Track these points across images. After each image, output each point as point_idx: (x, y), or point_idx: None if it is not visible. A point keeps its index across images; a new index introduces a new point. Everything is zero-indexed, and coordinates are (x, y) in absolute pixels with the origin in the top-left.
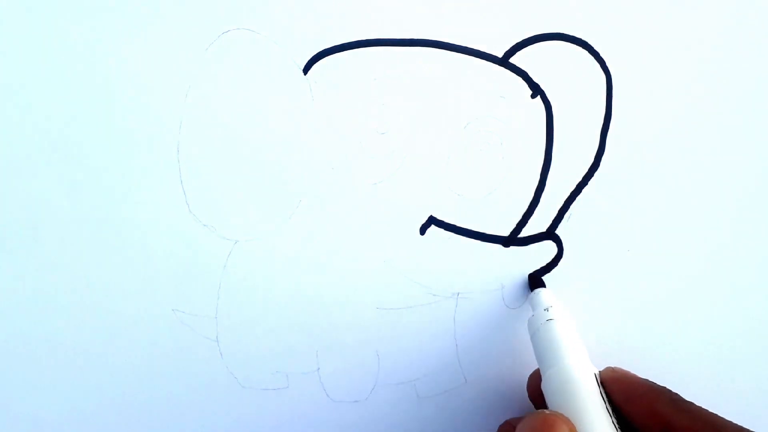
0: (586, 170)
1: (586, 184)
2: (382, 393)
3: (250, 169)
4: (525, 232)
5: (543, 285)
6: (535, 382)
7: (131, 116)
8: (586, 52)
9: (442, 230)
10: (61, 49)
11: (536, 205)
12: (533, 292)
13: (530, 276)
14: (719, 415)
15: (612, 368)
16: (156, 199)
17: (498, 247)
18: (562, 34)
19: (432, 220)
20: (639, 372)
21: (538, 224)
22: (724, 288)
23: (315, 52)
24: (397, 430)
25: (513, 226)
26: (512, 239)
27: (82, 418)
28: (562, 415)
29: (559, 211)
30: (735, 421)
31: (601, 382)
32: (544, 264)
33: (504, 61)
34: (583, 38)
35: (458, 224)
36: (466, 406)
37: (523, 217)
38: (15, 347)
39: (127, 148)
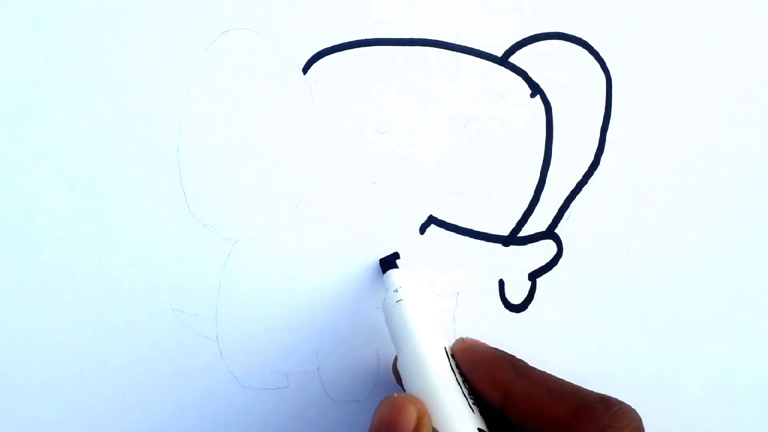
0: (586, 169)
1: (586, 183)
2: (382, 392)
3: (249, 169)
4: (525, 232)
5: (395, 266)
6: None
7: (131, 116)
8: (586, 51)
9: (441, 230)
10: (61, 48)
11: (536, 205)
12: (385, 274)
13: (381, 259)
14: (558, 377)
15: (462, 339)
16: (156, 199)
17: (498, 246)
18: (562, 33)
19: (432, 220)
20: (639, 371)
21: (537, 223)
22: (724, 287)
23: (314, 52)
24: None
25: (513, 225)
26: (512, 238)
27: (82, 418)
28: (410, 396)
29: (558, 211)
30: (733, 421)
31: (452, 356)
32: (543, 263)
33: (503, 61)
34: (582, 38)
35: (458, 224)
36: None
37: (522, 216)
38: (15, 347)
39: (127, 148)
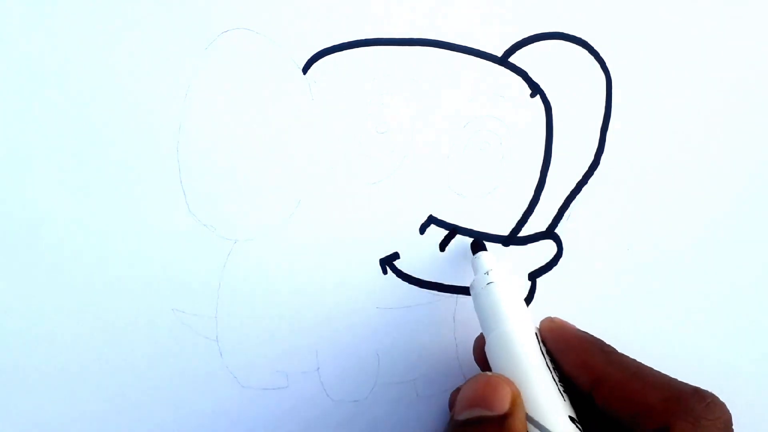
0: (586, 169)
1: (586, 183)
2: (382, 392)
3: (249, 169)
4: (525, 232)
5: (484, 248)
6: (480, 345)
7: (131, 116)
8: (586, 51)
9: (441, 229)
10: (61, 48)
11: (536, 205)
12: (474, 256)
13: (472, 242)
14: (650, 366)
15: (551, 318)
16: (156, 199)
17: (498, 246)
18: (562, 33)
19: (432, 220)
20: None
21: (537, 223)
22: (724, 286)
23: (314, 52)
24: (397, 429)
25: (513, 225)
26: (512, 238)
27: (82, 418)
28: (504, 376)
29: (558, 211)
30: (733, 419)
31: (541, 338)
32: (543, 263)
33: (503, 61)
34: (582, 38)
35: (458, 224)
36: None
37: (522, 216)
38: (15, 347)
39: (126, 148)
